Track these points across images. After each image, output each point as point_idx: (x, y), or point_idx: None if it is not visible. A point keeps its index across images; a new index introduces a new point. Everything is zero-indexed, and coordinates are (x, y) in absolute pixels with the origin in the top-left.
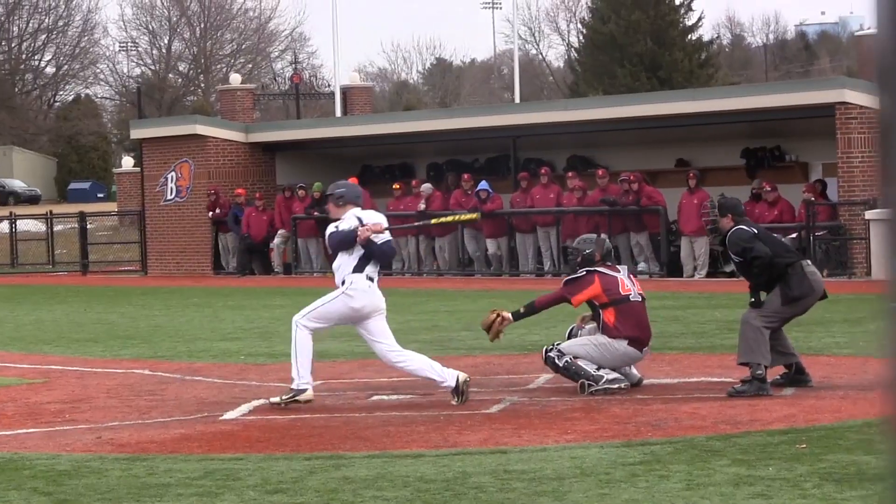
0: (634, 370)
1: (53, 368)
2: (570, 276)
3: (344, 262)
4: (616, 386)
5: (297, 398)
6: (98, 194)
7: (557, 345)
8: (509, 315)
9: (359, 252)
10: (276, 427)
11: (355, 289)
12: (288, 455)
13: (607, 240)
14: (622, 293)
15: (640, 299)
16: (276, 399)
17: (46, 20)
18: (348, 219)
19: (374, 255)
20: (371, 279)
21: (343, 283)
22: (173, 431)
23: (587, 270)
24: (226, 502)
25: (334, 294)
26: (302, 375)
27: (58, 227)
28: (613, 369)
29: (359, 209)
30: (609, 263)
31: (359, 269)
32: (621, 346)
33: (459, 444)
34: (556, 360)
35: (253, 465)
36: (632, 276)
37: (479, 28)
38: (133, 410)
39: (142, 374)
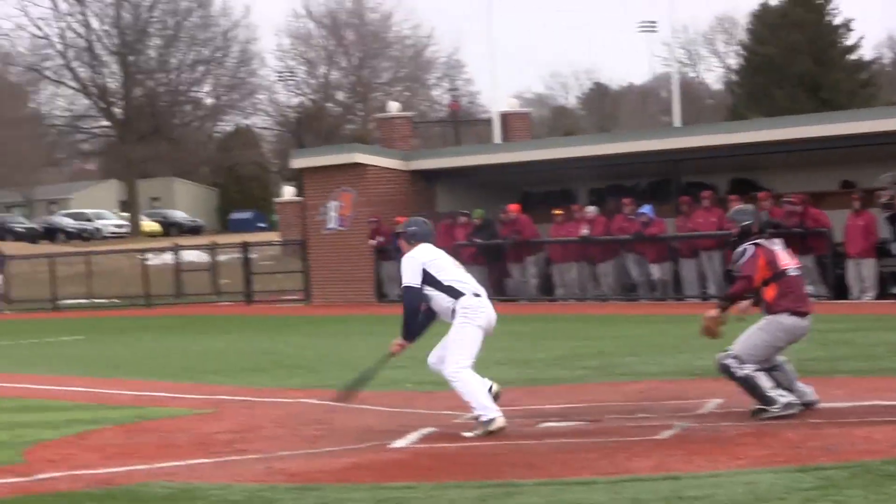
0: (811, 391)
1: (222, 398)
2: (738, 260)
3: (441, 309)
4: (789, 412)
5: (490, 429)
6: (259, 224)
7: (730, 350)
8: (713, 311)
9: (439, 292)
10: (447, 455)
11: (468, 307)
12: (459, 483)
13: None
14: (781, 267)
15: (798, 273)
16: (469, 434)
17: (204, 52)
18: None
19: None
20: (478, 294)
21: (454, 313)
22: (343, 460)
23: (749, 244)
24: None
25: (456, 327)
26: (485, 406)
27: (221, 258)
28: (788, 345)
29: (430, 246)
30: (765, 235)
31: (454, 297)
32: (786, 319)
33: (630, 471)
34: (734, 370)
35: (424, 493)
36: (788, 249)
37: (636, 52)
38: (302, 439)
39: (309, 403)
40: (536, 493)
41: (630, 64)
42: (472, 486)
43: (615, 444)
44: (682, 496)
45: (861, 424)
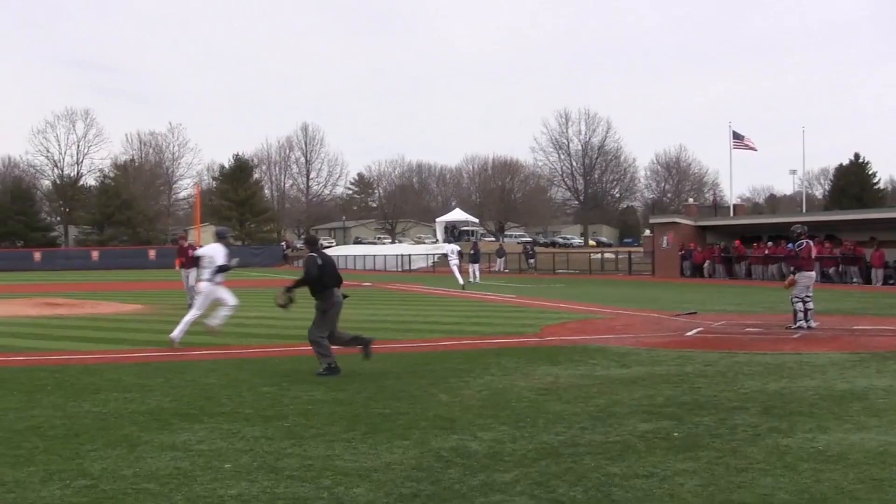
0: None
1: (620, 313)
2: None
3: None
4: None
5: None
6: (634, 243)
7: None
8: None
9: None
10: (708, 339)
11: None
12: (715, 351)
13: None
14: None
15: None
16: None
17: (616, 177)
18: None
19: None
20: None
21: None
22: (667, 338)
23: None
24: None
25: None
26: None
27: (619, 256)
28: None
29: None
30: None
31: None
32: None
33: (782, 350)
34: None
35: (698, 355)
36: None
37: None
38: (651, 329)
39: (658, 317)
40: (745, 356)
41: None
42: (716, 351)
43: (776, 338)
44: (801, 361)
45: (877, 335)
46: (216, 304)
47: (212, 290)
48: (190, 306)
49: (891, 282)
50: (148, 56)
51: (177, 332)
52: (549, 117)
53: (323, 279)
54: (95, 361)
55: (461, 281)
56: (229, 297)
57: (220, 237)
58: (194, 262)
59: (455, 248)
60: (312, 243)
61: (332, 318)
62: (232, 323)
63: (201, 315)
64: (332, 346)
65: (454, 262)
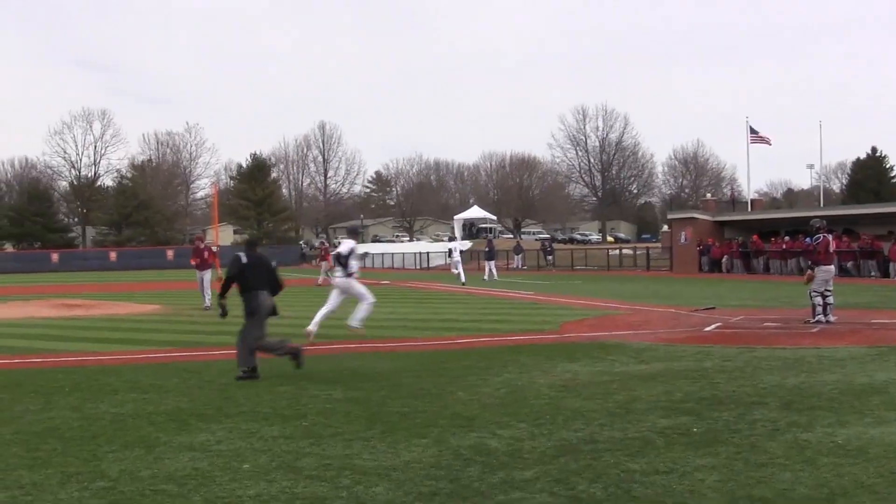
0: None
1: (638, 308)
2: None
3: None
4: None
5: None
6: (652, 238)
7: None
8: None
9: None
10: (726, 334)
11: None
12: (732, 346)
13: None
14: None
15: None
16: None
17: (634, 172)
18: None
19: None
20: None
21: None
22: (685, 334)
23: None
24: None
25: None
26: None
27: (638, 252)
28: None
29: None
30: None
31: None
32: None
33: (800, 344)
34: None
35: (717, 350)
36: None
37: None
38: (668, 325)
39: (674, 312)
40: (763, 351)
41: None
42: (735, 346)
43: (795, 333)
44: (821, 355)
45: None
46: (353, 300)
47: (347, 284)
48: (205, 308)
49: None
50: (164, 57)
51: (312, 326)
52: (567, 113)
53: (247, 279)
54: (113, 362)
55: (463, 279)
56: (366, 294)
57: (352, 233)
58: (208, 263)
59: (457, 246)
60: (250, 245)
61: (260, 321)
62: None
63: (332, 311)
64: (263, 354)
65: (457, 259)
